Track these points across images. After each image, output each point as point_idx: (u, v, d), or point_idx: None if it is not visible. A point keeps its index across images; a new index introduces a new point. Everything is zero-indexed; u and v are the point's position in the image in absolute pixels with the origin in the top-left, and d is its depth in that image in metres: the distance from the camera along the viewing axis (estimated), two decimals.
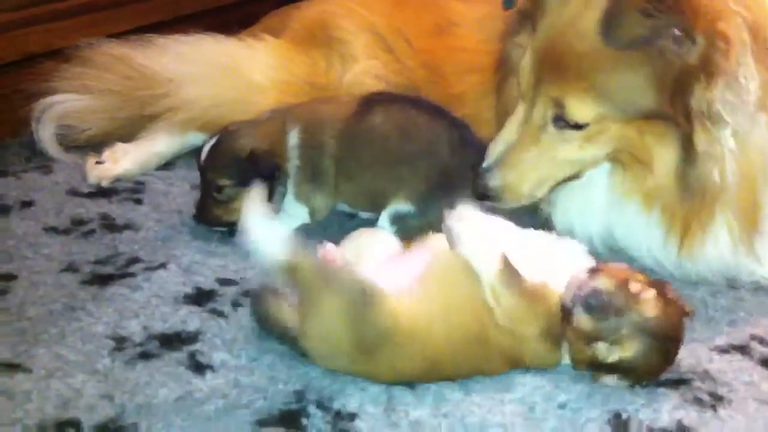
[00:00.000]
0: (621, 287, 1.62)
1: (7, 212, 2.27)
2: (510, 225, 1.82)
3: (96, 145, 2.56)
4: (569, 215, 2.12)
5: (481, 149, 2.04)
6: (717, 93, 1.81)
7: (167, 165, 2.56)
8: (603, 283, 1.62)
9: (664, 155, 1.91)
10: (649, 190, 1.98)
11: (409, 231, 2.00)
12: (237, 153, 2.12)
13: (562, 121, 1.91)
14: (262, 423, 1.58)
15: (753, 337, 1.89)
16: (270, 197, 2.15)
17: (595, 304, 1.61)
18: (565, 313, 1.64)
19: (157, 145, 2.55)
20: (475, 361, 1.69)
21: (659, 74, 1.82)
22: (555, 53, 1.89)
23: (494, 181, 1.98)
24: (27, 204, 2.31)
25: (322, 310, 1.65)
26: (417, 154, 2.07)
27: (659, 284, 1.67)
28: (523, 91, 1.98)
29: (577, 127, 1.90)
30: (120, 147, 2.54)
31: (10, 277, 1.97)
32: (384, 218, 2.09)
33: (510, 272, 1.65)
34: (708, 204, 1.93)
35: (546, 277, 1.68)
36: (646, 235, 2.04)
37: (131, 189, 2.42)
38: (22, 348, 1.74)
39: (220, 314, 1.88)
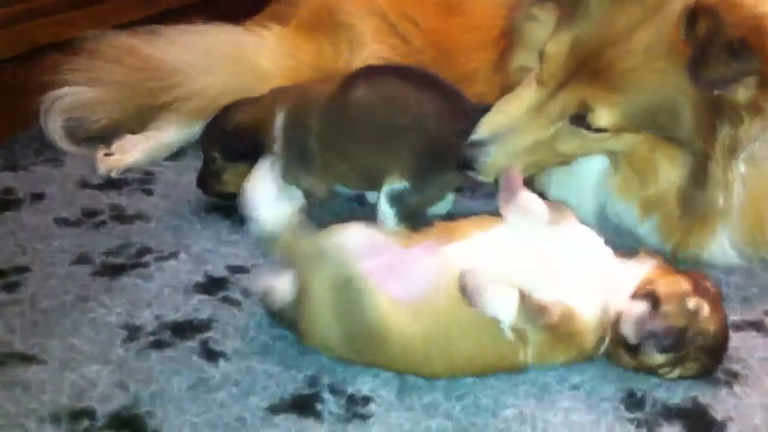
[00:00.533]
0: (684, 312, 1.57)
1: (18, 205, 2.27)
2: (525, 237, 1.70)
3: (105, 136, 2.56)
4: (564, 197, 2.09)
5: (474, 117, 1.98)
6: (752, 130, 1.81)
7: (176, 155, 2.56)
8: (672, 317, 1.57)
9: (670, 174, 1.91)
10: (648, 199, 1.98)
11: (409, 211, 1.99)
12: (225, 127, 2.16)
13: (580, 121, 1.88)
14: (275, 409, 1.58)
15: (767, 313, 1.88)
16: None
17: (671, 344, 1.57)
18: (627, 348, 1.61)
19: (166, 135, 2.56)
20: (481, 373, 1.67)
21: (704, 108, 1.80)
22: (599, 59, 1.84)
23: (486, 157, 1.93)
24: (38, 197, 2.31)
25: (312, 298, 1.61)
26: (402, 127, 1.98)
27: (694, 278, 1.65)
28: (545, 78, 1.92)
29: (594, 130, 1.88)
30: (129, 138, 2.54)
31: (22, 270, 1.97)
32: (382, 200, 2.03)
33: (531, 308, 1.57)
34: (710, 223, 1.94)
35: (569, 296, 1.61)
36: (641, 232, 2.03)
37: (141, 179, 2.43)
38: (35, 340, 1.74)
39: (232, 302, 1.88)
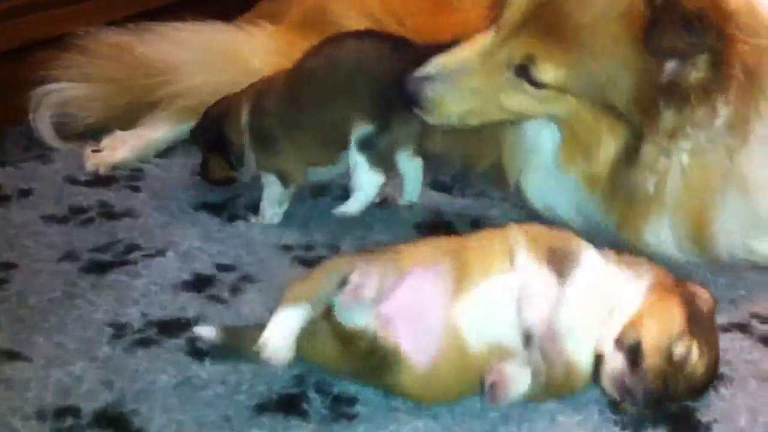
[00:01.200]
0: (667, 365, 1.51)
1: (6, 201, 2.27)
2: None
3: (95, 133, 2.56)
4: (542, 195, 2.14)
5: (418, 56, 1.99)
6: (696, 115, 1.80)
7: (165, 152, 2.56)
8: (653, 376, 1.50)
9: (609, 149, 1.90)
10: (590, 175, 1.96)
11: (380, 155, 2.06)
12: (203, 119, 2.23)
13: (524, 74, 1.87)
14: (261, 408, 1.58)
15: (753, 315, 1.88)
16: (231, 166, 2.22)
17: (649, 404, 1.51)
18: (614, 401, 1.57)
19: (156, 132, 2.56)
20: None
21: (648, 82, 1.79)
22: (552, 11, 1.82)
23: (431, 92, 1.92)
24: (26, 193, 2.31)
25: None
26: (350, 74, 2.05)
27: (689, 297, 1.59)
28: (500, 23, 1.91)
29: (537, 85, 1.86)
30: (118, 135, 2.54)
31: (9, 266, 1.97)
32: (354, 151, 2.07)
33: (540, 381, 1.53)
34: (642, 208, 1.94)
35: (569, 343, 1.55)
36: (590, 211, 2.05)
37: (129, 177, 2.43)
38: (21, 336, 1.74)
39: (219, 300, 1.87)
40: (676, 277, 1.66)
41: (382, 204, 2.27)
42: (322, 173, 2.23)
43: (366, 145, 2.06)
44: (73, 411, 1.55)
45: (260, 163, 2.18)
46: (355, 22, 2.55)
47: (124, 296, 1.87)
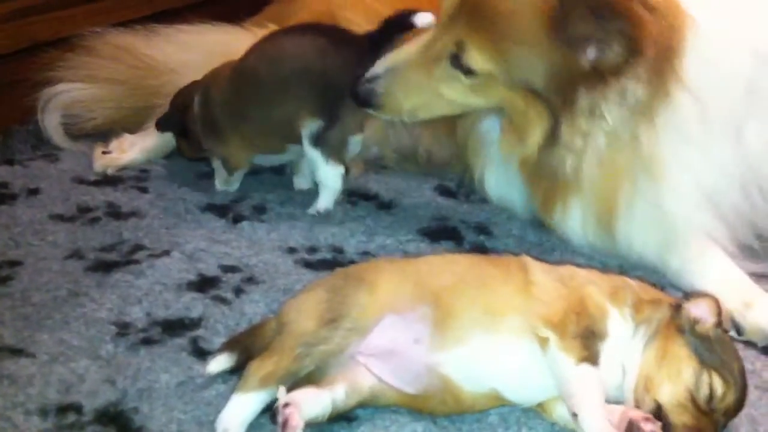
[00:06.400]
0: (699, 414, 1.44)
1: (13, 200, 2.28)
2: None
3: (102, 133, 2.58)
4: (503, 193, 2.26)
5: (359, 47, 2.11)
6: (610, 95, 1.85)
7: (172, 153, 2.58)
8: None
9: (537, 132, 1.95)
10: (523, 159, 2.03)
11: (334, 146, 2.13)
12: (170, 107, 2.40)
13: (457, 62, 1.94)
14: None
15: None
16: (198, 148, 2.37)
17: None
18: None
19: (163, 134, 2.56)
20: None
21: (565, 67, 1.84)
22: (480, 2, 1.90)
23: (379, 88, 2.01)
24: (33, 192, 2.33)
25: None
26: (293, 73, 2.11)
27: (681, 317, 1.51)
28: (441, 18, 2.00)
29: (468, 73, 1.93)
30: (127, 137, 2.56)
31: (15, 264, 1.98)
32: (307, 146, 2.15)
33: None
34: (560, 188, 2.00)
35: None
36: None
37: (136, 177, 2.44)
38: (26, 333, 1.75)
39: (223, 301, 1.88)
40: (671, 300, 1.59)
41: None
42: (272, 159, 2.34)
43: (318, 141, 2.13)
44: (75, 408, 1.56)
45: (207, 148, 2.31)
46: (363, 29, 2.56)
47: (128, 295, 1.88)
